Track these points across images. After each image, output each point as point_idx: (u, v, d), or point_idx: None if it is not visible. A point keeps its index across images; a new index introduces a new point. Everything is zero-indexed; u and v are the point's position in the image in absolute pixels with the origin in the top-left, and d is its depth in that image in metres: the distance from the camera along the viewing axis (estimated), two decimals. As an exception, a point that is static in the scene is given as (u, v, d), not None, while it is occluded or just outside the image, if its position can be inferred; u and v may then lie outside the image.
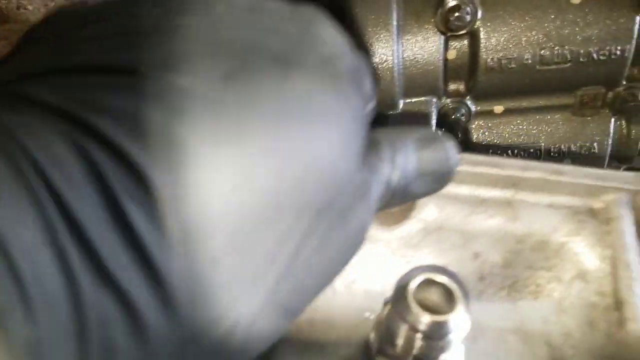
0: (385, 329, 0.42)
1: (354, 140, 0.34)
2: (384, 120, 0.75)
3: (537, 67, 0.72)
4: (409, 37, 0.71)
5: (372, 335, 0.43)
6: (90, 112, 0.24)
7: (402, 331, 0.40)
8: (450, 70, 0.74)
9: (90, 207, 0.23)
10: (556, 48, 0.71)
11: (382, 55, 0.70)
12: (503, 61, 0.72)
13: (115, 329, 0.24)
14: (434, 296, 0.40)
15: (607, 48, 0.70)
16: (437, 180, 0.42)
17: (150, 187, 0.24)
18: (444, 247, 0.53)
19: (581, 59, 0.71)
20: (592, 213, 0.52)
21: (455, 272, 0.41)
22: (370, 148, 0.37)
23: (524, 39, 0.71)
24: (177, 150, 0.25)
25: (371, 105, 0.38)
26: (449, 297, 0.39)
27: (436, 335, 0.38)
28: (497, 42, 0.71)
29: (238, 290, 0.27)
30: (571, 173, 0.52)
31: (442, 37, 0.71)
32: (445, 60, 0.73)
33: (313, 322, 0.48)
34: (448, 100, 0.78)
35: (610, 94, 0.76)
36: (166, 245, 0.24)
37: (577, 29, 0.70)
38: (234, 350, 0.28)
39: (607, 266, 0.49)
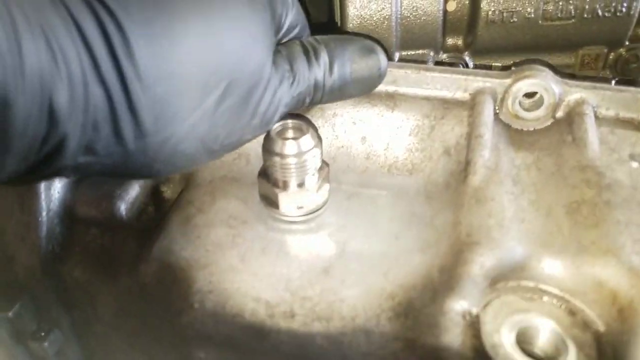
0: (262, 169, 0.55)
1: (261, 42, 0.45)
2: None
3: (540, 22, 0.68)
4: None
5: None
6: None
7: (270, 161, 0.51)
8: (449, 23, 0.71)
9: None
10: (560, 2, 0.67)
11: (381, 3, 0.66)
12: (505, 14, 0.68)
13: (102, 118, 0.37)
14: (289, 132, 0.52)
15: (613, 4, 0.66)
16: (368, 85, 0.54)
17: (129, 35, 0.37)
18: (338, 132, 0.62)
19: (585, 15, 0.67)
20: (458, 103, 0.60)
21: (307, 117, 0.55)
22: (301, 52, 0.49)
23: None
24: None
25: (290, 20, 0.50)
26: (301, 131, 0.52)
27: (294, 155, 0.50)
28: None
29: (171, 117, 0.39)
30: (441, 70, 0.61)
31: None
32: (445, 12, 0.69)
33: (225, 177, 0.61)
34: (445, 55, 0.74)
35: (612, 55, 0.72)
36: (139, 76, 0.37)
37: (583, -18, 0.65)
38: (163, 157, 0.41)
39: (465, 141, 0.58)
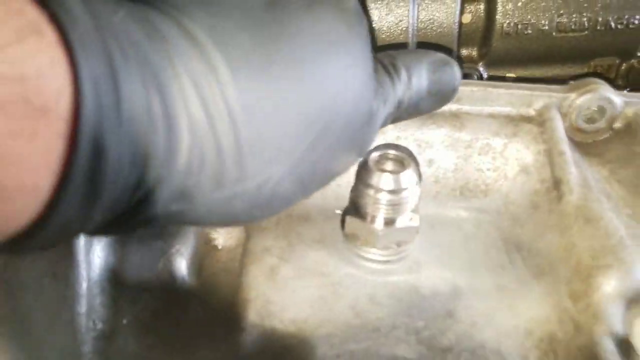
0: (351, 199, 0.50)
1: (366, 69, 0.40)
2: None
3: (554, 34, 0.69)
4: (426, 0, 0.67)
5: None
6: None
7: (364, 193, 0.47)
8: (464, 35, 0.71)
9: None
10: (574, 15, 0.68)
11: (398, 15, 0.66)
12: (519, 26, 0.69)
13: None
14: (388, 164, 0.48)
15: (626, 17, 0.68)
16: (442, 99, 0.50)
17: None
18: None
19: (598, 27, 0.69)
20: (526, 119, 0.59)
21: (406, 147, 0.51)
22: (384, 72, 0.44)
23: (542, 4, 0.68)
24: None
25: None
26: (401, 164, 0.48)
27: (391, 190, 0.46)
28: (514, 6, 0.68)
29: (271, 158, 0.35)
30: (506, 87, 0.59)
31: (459, 0, 0.68)
32: (460, 24, 0.69)
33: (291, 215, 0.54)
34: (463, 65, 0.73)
35: (624, 66, 0.74)
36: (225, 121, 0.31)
37: (596, -5, 0.67)
38: (262, 201, 0.36)
39: (544, 157, 0.56)
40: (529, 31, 0.68)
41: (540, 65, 0.72)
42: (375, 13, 0.66)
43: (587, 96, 0.59)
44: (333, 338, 0.43)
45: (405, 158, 0.48)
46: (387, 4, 0.66)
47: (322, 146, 0.37)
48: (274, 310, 0.44)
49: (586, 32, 0.68)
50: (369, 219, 0.48)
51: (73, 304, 0.48)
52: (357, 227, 0.49)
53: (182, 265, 0.49)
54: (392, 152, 0.48)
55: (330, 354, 0.42)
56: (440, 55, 0.50)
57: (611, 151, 0.59)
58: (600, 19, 0.68)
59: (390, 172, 0.47)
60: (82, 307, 0.48)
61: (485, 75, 0.74)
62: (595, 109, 0.60)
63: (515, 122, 0.59)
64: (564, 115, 0.60)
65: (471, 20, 0.70)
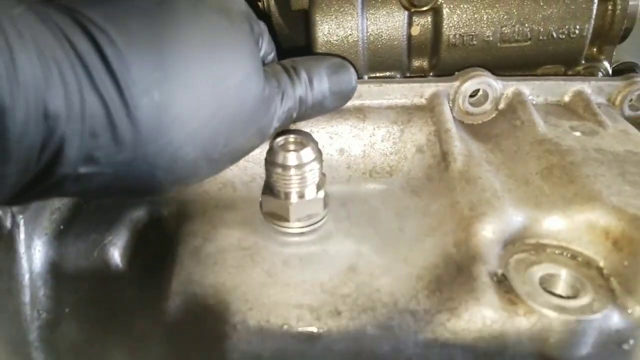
0: (265, 182, 0.57)
1: (253, 63, 0.48)
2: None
3: (498, 44, 0.73)
4: (373, 12, 0.72)
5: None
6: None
7: (273, 173, 0.54)
8: (414, 47, 0.76)
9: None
10: (517, 26, 0.72)
11: (347, 29, 0.71)
12: (465, 38, 0.73)
13: (99, 125, 0.38)
14: (291, 145, 0.55)
15: (566, 27, 0.71)
16: (343, 97, 0.61)
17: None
18: (322, 145, 0.66)
19: (541, 37, 0.72)
20: (418, 107, 0.68)
21: (306, 132, 0.61)
22: (283, 72, 0.53)
23: (486, 16, 0.72)
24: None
25: (266, 46, 0.56)
26: (301, 144, 0.55)
27: (295, 165, 0.53)
28: (459, 18, 0.72)
29: (168, 123, 0.41)
30: (399, 81, 0.69)
31: (406, 12, 0.73)
32: (409, 36, 0.74)
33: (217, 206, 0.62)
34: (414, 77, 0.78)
35: (569, 73, 0.77)
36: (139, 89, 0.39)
37: (537, 7, 0.72)
38: (164, 164, 0.42)
39: (434, 137, 0.65)
40: (475, 42, 0.73)
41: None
42: (325, 27, 0.70)
43: (469, 82, 0.68)
44: (247, 295, 0.49)
45: (304, 139, 0.55)
46: (335, 17, 0.71)
47: (219, 117, 0.44)
48: (195, 279, 0.50)
49: (529, 42, 0.72)
50: (281, 196, 0.55)
51: (17, 295, 0.53)
52: (271, 205, 0.56)
53: (115, 254, 0.55)
54: (293, 136, 0.55)
55: (244, 308, 0.47)
56: (337, 59, 0.59)
57: (496, 127, 0.67)
58: (542, 30, 0.72)
59: (293, 150, 0.54)
60: (26, 298, 0.53)
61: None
62: (481, 93, 0.69)
63: (409, 110, 0.68)
64: (453, 102, 0.69)
65: (419, 32, 0.75)
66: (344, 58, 0.62)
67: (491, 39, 0.73)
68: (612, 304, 0.46)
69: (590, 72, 0.77)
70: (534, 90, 0.69)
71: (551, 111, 0.68)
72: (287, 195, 0.55)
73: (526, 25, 0.72)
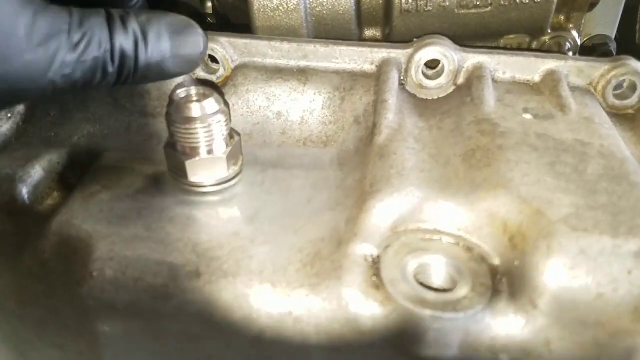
0: (167, 140, 0.54)
1: None
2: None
3: (456, 10, 0.67)
4: None
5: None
6: None
7: (175, 128, 0.52)
8: (364, 14, 0.70)
9: None
10: None
11: None
12: (419, 2, 0.67)
13: None
14: (193, 97, 0.52)
15: None
16: (189, 62, 0.51)
17: None
18: (252, 108, 0.63)
19: (502, 3, 0.67)
20: (366, 74, 0.63)
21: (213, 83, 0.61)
22: (101, 16, 0.45)
23: None
24: None
25: None
26: (204, 95, 0.52)
27: (199, 118, 0.51)
28: None
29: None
30: (348, 44, 0.63)
31: None
32: (358, 2, 0.69)
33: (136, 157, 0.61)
34: None
35: (535, 44, 0.72)
36: None
37: (498, -32, 0.65)
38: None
39: (372, 108, 0.59)
40: (430, 8, 0.67)
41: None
42: None
43: (425, 50, 0.62)
44: (114, 245, 0.48)
45: (207, 90, 0.53)
46: None
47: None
48: (75, 223, 0.50)
49: (490, 7, 0.67)
50: (180, 150, 0.53)
51: None
52: (172, 160, 0.54)
53: (23, 191, 0.56)
54: (195, 87, 0.53)
55: (105, 257, 0.47)
56: (182, 18, 0.51)
57: (447, 105, 0.61)
58: None
59: (194, 101, 0.51)
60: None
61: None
62: (437, 65, 0.63)
63: (355, 77, 0.63)
64: (406, 72, 0.63)
65: None
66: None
67: (447, 4, 0.66)
68: (487, 305, 0.40)
69: (557, 43, 0.68)
70: (499, 66, 0.62)
71: (514, 90, 0.60)
72: (185, 151, 0.53)
73: None
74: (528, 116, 0.55)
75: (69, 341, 0.54)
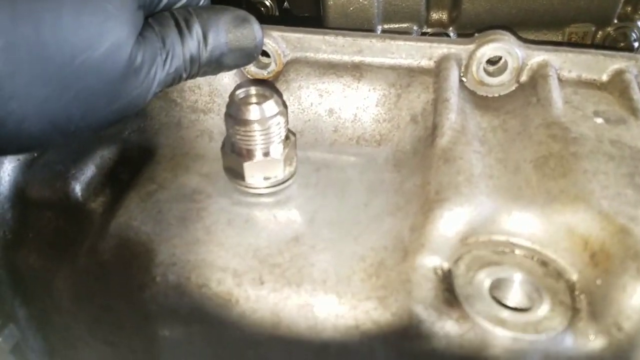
0: (225, 140, 0.54)
1: (116, 17, 0.40)
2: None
3: None
4: None
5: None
6: None
7: (233, 129, 0.50)
8: None
9: None
10: None
11: None
12: None
13: None
14: (252, 98, 0.51)
15: None
16: (246, 55, 0.52)
17: None
18: (304, 105, 0.60)
19: None
20: (424, 71, 0.60)
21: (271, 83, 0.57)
22: (173, 28, 0.46)
23: None
24: None
25: None
26: (264, 97, 0.51)
27: (258, 121, 0.49)
28: None
29: (8, 95, 0.37)
30: (405, 39, 0.60)
31: None
32: None
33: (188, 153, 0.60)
34: (429, 30, 0.73)
35: (600, 34, 0.71)
36: None
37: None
38: (5, 135, 0.39)
39: (431, 107, 0.57)
40: None
41: (518, 30, 0.69)
42: None
43: (487, 47, 0.59)
44: (176, 249, 0.47)
45: (267, 92, 0.51)
46: None
47: (73, 91, 0.39)
48: (134, 225, 0.49)
49: None
50: (238, 152, 0.52)
51: (-15, 213, 0.55)
52: (230, 161, 0.53)
53: (76, 188, 0.55)
54: (254, 88, 0.51)
55: (168, 262, 0.46)
56: (240, 12, 0.52)
57: (511, 103, 0.58)
58: None
59: (254, 103, 0.50)
60: (-7, 218, 0.55)
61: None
62: (498, 61, 0.60)
63: (412, 73, 0.60)
64: (466, 68, 0.60)
65: None
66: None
67: None
68: (568, 326, 0.39)
69: (622, 33, 0.67)
70: (565, 64, 0.59)
71: (581, 91, 0.58)
72: (242, 152, 0.51)
73: None
74: (599, 120, 0.53)
75: (123, 339, 0.54)
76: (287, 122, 0.52)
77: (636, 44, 0.73)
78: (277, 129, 0.51)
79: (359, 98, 0.60)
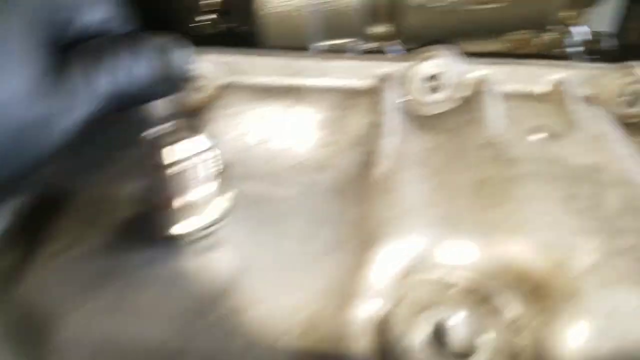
0: (144, 184, 0.48)
1: (22, 80, 0.37)
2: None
3: (470, 6, 0.64)
4: None
5: None
6: None
7: (151, 173, 0.46)
8: (374, 9, 0.66)
9: None
10: None
11: None
12: None
13: None
14: (170, 138, 0.46)
15: None
16: (173, 84, 0.48)
17: None
18: (240, 131, 0.57)
19: None
20: (365, 91, 0.58)
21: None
22: (80, 69, 0.41)
23: None
24: None
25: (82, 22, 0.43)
26: (184, 134, 0.46)
27: (177, 162, 0.45)
28: None
29: None
30: (343, 58, 0.58)
31: None
32: None
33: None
34: (377, 44, 0.70)
35: (538, 39, 0.70)
36: None
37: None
38: None
39: (371, 129, 0.54)
40: (442, 3, 0.64)
41: (455, 42, 0.68)
42: None
43: (425, 64, 0.57)
44: (81, 321, 0.42)
45: (187, 127, 0.47)
46: None
47: None
48: (36, 293, 0.44)
49: (505, 3, 0.64)
50: (158, 197, 0.48)
51: None
52: (150, 206, 0.48)
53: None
54: (170, 124, 0.47)
55: (72, 338, 0.41)
56: (163, 39, 0.48)
57: (452, 121, 0.57)
58: None
59: (172, 143, 0.46)
60: None
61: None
62: (438, 77, 0.58)
63: (353, 94, 0.58)
64: (406, 86, 0.58)
65: None
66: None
67: None
68: (510, 368, 0.37)
69: (562, 39, 0.67)
70: (505, 77, 0.58)
71: (520, 104, 0.56)
72: (164, 197, 0.48)
73: None
74: (537, 136, 0.51)
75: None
76: (215, 156, 0.49)
77: (577, 49, 0.72)
78: (203, 167, 0.48)
79: (298, 122, 0.58)
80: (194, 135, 0.46)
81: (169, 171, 0.46)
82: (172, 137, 0.47)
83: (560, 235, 0.40)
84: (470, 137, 0.52)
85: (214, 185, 0.49)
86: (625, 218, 0.42)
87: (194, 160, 0.46)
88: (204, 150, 0.47)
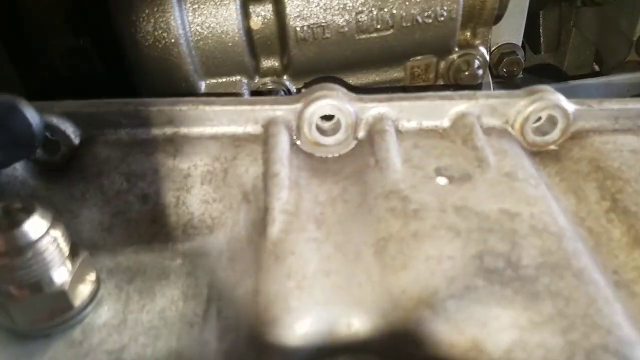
0: None
1: None
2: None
3: (356, 35, 0.61)
4: (194, 1, 0.57)
5: None
6: None
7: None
8: (257, 43, 0.61)
9: None
10: (374, 12, 0.60)
11: (161, 24, 0.54)
12: (315, 29, 0.60)
13: None
14: (3, 221, 0.37)
15: (432, 9, 0.62)
16: (21, 147, 0.44)
17: None
18: (109, 195, 0.49)
19: (404, 24, 0.62)
20: (251, 138, 0.52)
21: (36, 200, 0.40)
22: None
23: (336, 2, 0.59)
24: None
25: None
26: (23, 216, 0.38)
27: (15, 250, 0.37)
28: (304, 6, 0.59)
29: None
30: (223, 103, 0.51)
31: (238, 1, 0.57)
32: (249, 30, 0.60)
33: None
34: (267, 80, 0.65)
35: (443, 64, 0.69)
36: None
37: (395, -12, 0.59)
38: None
39: (262, 182, 0.48)
40: (328, 34, 0.61)
41: (352, 72, 0.66)
42: (134, 28, 0.56)
43: (315, 104, 0.51)
44: None
45: (23, 206, 0.38)
46: (146, 14, 0.55)
47: None
48: None
49: (392, 30, 0.62)
50: (2, 290, 0.39)
51: None
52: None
53: None
54: (2, 206, 0.38)
55: None
56: (4, 98, 0.44)
57: (351, 165, 0.51)
58: (404, 14, 0.61)
59: (6, 228, 0.37)
60: None
61: (293, 90, 0.66)
62: (330, 119, 0.53)
63: (238, 142, 0.51)
64: (298, 130, 0.52)
65: (262, 25, 0.61)
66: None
67: (346, 29, 0.60)
68: None
69: (465, 61, 0.66)
70: (402, 113, 0.53)
71: (422, 142, 0.52)
72: (10, 291, 0.38)
73: (385, 10, 0.60)
74: (442, 180, 0.47)
75: None
76: (64, 236, 0.40)
77: (480, 71, 0.70)
78: (53, 250, 0.39)
79: (178, 177, 0.50)
80: (25, 219, 0.37)
81: (8, 260, 0.37)
82: (9, 219, 0.38)
83: (472, 307, 0.35)
84: (371, 184, 0.47)
85: (70, 267, 0.40)
86: (542, 279, 0.37)
87: (38, 244, 0.38)
88: (44, 233, 0.38)
